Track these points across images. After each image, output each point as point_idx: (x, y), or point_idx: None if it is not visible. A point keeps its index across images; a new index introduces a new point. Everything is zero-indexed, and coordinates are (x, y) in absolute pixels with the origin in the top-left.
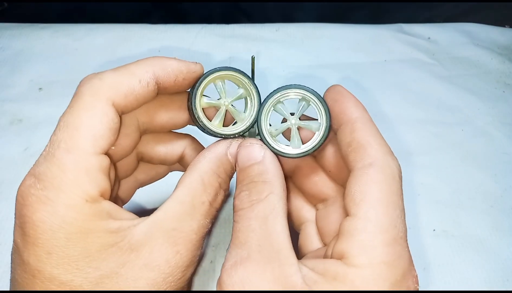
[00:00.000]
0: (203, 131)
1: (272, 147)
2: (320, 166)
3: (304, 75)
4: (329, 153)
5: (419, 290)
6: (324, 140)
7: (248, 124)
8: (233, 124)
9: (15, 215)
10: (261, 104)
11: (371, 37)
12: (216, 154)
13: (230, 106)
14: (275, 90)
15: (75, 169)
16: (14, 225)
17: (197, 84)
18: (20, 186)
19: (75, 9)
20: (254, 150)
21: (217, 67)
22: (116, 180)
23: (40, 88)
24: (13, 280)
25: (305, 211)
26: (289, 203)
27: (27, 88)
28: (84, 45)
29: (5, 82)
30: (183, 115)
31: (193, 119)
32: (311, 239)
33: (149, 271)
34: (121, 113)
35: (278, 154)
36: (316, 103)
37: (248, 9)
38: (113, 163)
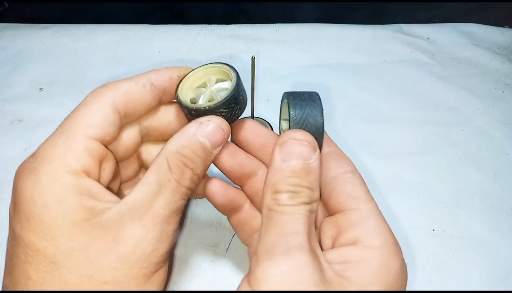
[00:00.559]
0: (183, 110)
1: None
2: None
3: (304, 75)
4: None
5: (419, 290)
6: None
7: (222, 99)
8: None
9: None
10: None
11: (370, 37)
12: (183, 134)
13: (214, 90)
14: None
15: (63, 146)
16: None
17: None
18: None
19: (76, 10)
20: (306, 149)
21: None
22: (117, 178)
23: (40, 88)
24: (6, 251)
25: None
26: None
27: (28, 88)
28: (84, 45)
29: (5, 82)
30: (181, 121)
31: (177, 101)
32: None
33: (117, 245)
34: (124, 114)
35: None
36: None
37: (248, 10)
38: (116, 160)
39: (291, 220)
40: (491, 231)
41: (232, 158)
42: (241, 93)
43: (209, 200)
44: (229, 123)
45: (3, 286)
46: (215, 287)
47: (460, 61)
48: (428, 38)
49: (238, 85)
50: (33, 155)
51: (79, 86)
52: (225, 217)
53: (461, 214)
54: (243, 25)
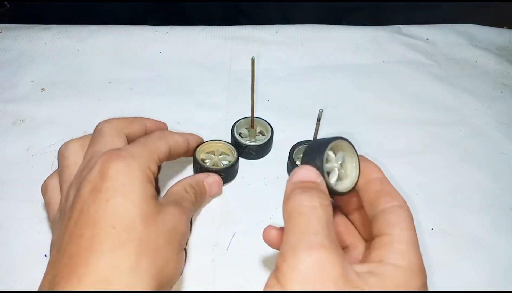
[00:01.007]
0: (196, 164)
1: (332, 184)
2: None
3: (304, 76)
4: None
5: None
6: (357, 183)
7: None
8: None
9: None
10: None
11: (369, 38)
12: (196, 177)
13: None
14: (332, 138)
15: (147, 154)
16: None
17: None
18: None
19: (77, 11)
20: (311, 172)
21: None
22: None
23: (42, 89)
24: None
25: None
26: None
27: (30, 89)
28: (86, 46)
29: (7, 83)
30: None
31: (194, 158)
32: None
33: (163, 220)
34: (170, 154)
35: (333, 190)
36: (353, 154)
37: (248, 11)
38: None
39: (310, 220)
40: (490, 230)
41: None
42: (236, 169)
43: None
44: (223, 182)
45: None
46: (215, 287)
47: (458, 61)
48: (427, 39)
49: (235, 164)
50: (122, 149)
51: (80, 87)
52: (226, 216)
53: (460, 213)
54: (243, 26)
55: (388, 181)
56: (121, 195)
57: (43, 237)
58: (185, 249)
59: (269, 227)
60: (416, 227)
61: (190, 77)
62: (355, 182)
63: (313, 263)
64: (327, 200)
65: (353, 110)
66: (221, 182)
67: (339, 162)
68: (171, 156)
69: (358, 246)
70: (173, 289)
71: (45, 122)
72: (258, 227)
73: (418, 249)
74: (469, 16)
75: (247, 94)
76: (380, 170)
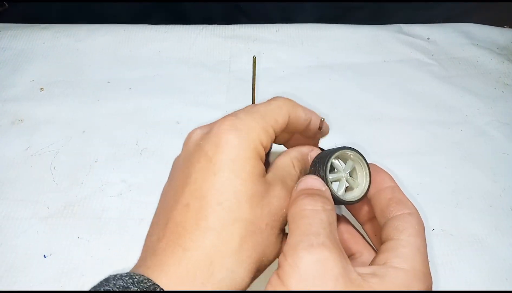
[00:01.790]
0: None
1: (336, 193)
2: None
3: (304, 76)
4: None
5: (419, 290)
6: (367, 192)
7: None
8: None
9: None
10: (327, 160)
11: (370, 37)
12: (301, 151)
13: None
14: (338, 148)
15: (261, 126)
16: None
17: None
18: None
19: (76, 10)
20: (317, 181)
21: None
22: None
23: (41, 88)
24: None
25: None
26: None
27: (28, 88)
28: (85, 45)
29: (6, 82)
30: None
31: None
32: None
33: (270, 207)
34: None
35: (338, 198)
36: (362, 164)
37: (249, 10)
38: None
39: (312, 222)
40: (491, 230)
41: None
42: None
43: None
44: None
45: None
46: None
47: (460, 61)
48: (428, 38)
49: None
50: (238, 117)
51: (79, 87)
52: None
53: (461, 214)
54: (243, 25)
55: (400, 189)
56: (230, 170)
57: (42, 237)
58: (284, 230)
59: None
60: None
61: (189, 76)
62: (365, 191)
63: (313, 262)
64: (330, 205)
65: (354, 109)
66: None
67: (347, 171)
68: (287, 130)
69: (364, 253)
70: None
71: (44, 122)
72: None
73: (424, 255)
74: (470, 15)
75: (247, 94)
76: (392, 179)
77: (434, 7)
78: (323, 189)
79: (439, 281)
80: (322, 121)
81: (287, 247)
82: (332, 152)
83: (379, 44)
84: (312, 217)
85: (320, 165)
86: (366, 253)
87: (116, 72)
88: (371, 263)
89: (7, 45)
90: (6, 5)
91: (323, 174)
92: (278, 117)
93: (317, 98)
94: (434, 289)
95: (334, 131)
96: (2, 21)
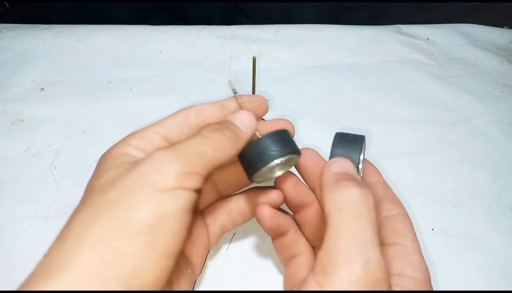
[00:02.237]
0: None
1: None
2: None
3: (304, 76)
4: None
5: (419, 290)
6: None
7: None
8: None
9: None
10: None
11: (370, 38)
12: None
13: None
14: (363, 136)
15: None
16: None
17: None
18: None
19: (77, 10)
20: (352, 167)
21: (361, 136)
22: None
23: (42, 89)
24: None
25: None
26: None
27: (29, 89)
28: (86, 46)
29: (7, 82)
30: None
31: None
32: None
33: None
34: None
35: None
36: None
37: (249, 10)
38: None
39: (366, 226)
40: (490, 230)
41: (294, 189)
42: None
43: (259, 223)
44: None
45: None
46: (215, 287)
47: (459, 61)
48: (427, 39)
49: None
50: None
51: (80, 87)
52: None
53: (460, 214)
54: (243, 26)
55: (388, 185)
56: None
57: (43, 236)
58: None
59: (263, 205)
60: (416, 227)
61: (189, 77)
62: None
63: (368, 280)
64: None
65: (353, 110)
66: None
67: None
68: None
69: (306, 253)
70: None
71: (45, 122)
72: (258, 227)
73: (424, 260)
74: (469, 16)
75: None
76: (380, 174)
77: (433, 8)
78: (358, 177)
79: (438, 281)
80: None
81: (336, 253)
82: (361, 138)
83: (378, 44)
84: (366, 218)
85: (351, 150)
86: (307, 253)
87: (117, 73)
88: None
89: (7, 46)
90: (7, 5)
91: (357, 160)
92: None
93: (316, 98)
94: (434, 289)
95: (334, 131)
96: (3, 21)
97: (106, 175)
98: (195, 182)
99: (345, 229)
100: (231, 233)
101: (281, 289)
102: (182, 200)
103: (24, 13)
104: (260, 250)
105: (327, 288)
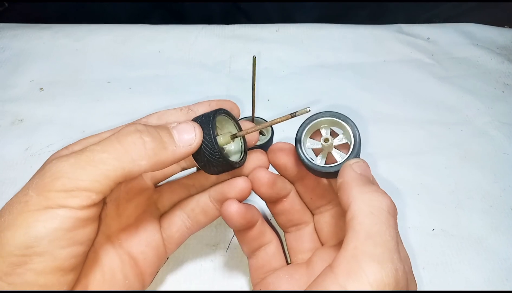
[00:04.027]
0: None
1: (313, 162)
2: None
3: (304, 75)
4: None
5: (419, 290)
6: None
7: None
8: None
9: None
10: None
11: (371, 37)
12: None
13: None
14: (318, 114)
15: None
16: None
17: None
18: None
19: (76, 10)
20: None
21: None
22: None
23: (41, 89)
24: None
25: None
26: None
27: (28, 89)
28: (84, 45)
29: (6, 82)
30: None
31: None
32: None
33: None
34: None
35: (315, 168)
36: (347, 129)
37: (248, 10)
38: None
39: (388, 231)
40: (491, 230)
41: (271, 188)
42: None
43: (226, 222)
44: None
45: None
46: (215, 287)
47: (460, 61)
48: (428, 38)
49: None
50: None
51: (79, 87)
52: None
53: (461, 214)
54: (243, 25)
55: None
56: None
57: None
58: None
59: (230, 200)
60: (417, 227)
61: (189, 76)
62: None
63: (394, 288)
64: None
65: (353, 109)
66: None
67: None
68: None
69: (273, 240)
70: (174, 289)
71: (44, 122)
72: None
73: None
74: (470, 15)
75: (247, 94)
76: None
77: (434, 7)
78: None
79: (439, 281)
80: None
81: (363, 254)
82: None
83: (379, 44)
84: (393, 226)
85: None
86: (292, 193)
87: (116, 72)
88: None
89: (6, 45)
90: (6, 5)
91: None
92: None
93: (317, 98)
94: (434, 289)
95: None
96: (2, 21)
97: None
98: (82, 200)
99: (376, 234)
100: (230, 234)
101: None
102: (59, 221)
103: (23, 13)
104: None
105: (351, 289)
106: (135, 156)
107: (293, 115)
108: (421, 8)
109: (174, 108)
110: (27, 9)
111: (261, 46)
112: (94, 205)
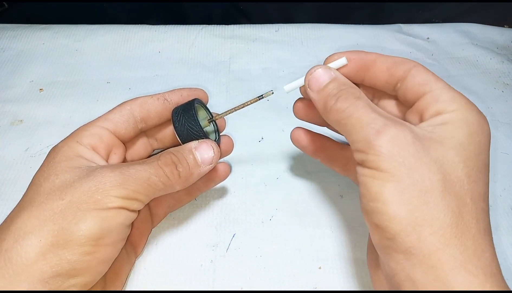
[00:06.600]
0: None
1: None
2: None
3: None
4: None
5: (419, 290)
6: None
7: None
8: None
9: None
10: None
11: (370, 37)
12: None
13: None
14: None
15: (82, 128)
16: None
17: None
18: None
19: (76, 10)
20: (322, 73)
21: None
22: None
23: (40, 89)
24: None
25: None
26: None
27: (28, 89)
28: (84, 46)
29: (5, 83)
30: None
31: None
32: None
33: (88, 176)
34: (140, 119)
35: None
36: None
37: (248, 10)
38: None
39: (360, 114)
40: (491, 230)
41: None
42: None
43: (296, 145)
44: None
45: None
46: (215, 287)
47: (459, 61)
48: (428, 38)
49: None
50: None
51: (79, 87)
52: (225, 217)
53: None
54: (243, 25)
55: (381, 54)
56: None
57: None
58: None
59: (297, 128)
60: None
61: (189, 76)
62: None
63: (389, 142)
64: (348, 83)
65: None
66: (216, 147)
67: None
68: (145, 122)
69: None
70: (173, 289)
71: (44, 122)
72: (258, 228)
73: (457, 91)
74: (470, 15)
75: (247, 94)
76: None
77: (434, 7)
78: (333, 75)
79: None
80: (180, 90)
81: (358, 145)
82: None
83: (378, 44)
84: (356, 111)
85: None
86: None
87: (116, 73)
88: (424, 119)
89: (6, 46)
90: (6, 5)
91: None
92: (111, 116)
93: None
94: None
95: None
96: (2, 21)
97: (55, 178)
98: (136, 206)
99: (351, 130)
100: (231, 234)
101: (281, 289)
102: (122, 218)
103: (22, 13)
104: (260, 251)
105: (373, 167)
106: (175, 184)
107: (260, 97)
108: (421, 8)
109: (151, 96)
110: (27, 10)
111: (261, 46)
112: (139, 211)
